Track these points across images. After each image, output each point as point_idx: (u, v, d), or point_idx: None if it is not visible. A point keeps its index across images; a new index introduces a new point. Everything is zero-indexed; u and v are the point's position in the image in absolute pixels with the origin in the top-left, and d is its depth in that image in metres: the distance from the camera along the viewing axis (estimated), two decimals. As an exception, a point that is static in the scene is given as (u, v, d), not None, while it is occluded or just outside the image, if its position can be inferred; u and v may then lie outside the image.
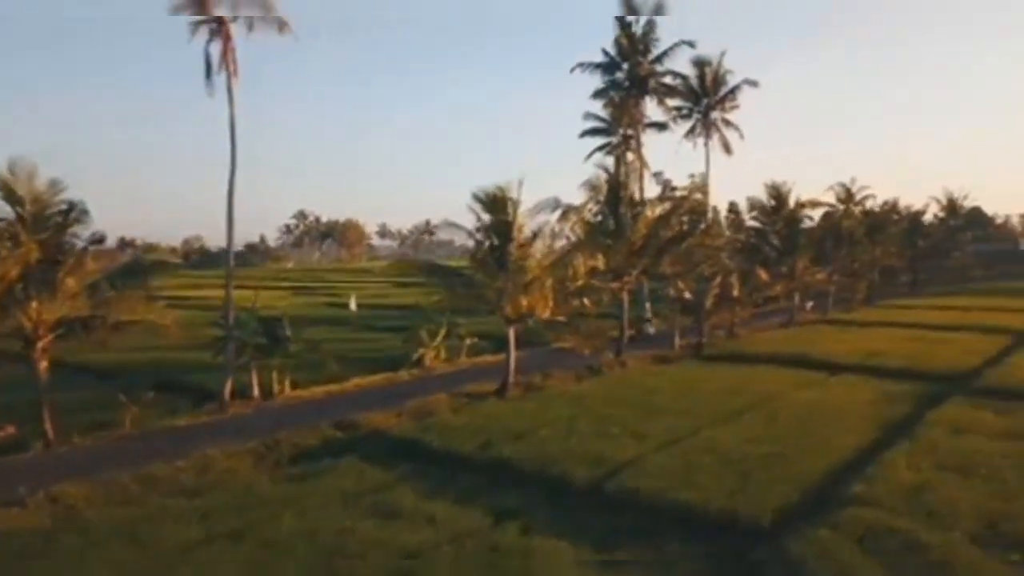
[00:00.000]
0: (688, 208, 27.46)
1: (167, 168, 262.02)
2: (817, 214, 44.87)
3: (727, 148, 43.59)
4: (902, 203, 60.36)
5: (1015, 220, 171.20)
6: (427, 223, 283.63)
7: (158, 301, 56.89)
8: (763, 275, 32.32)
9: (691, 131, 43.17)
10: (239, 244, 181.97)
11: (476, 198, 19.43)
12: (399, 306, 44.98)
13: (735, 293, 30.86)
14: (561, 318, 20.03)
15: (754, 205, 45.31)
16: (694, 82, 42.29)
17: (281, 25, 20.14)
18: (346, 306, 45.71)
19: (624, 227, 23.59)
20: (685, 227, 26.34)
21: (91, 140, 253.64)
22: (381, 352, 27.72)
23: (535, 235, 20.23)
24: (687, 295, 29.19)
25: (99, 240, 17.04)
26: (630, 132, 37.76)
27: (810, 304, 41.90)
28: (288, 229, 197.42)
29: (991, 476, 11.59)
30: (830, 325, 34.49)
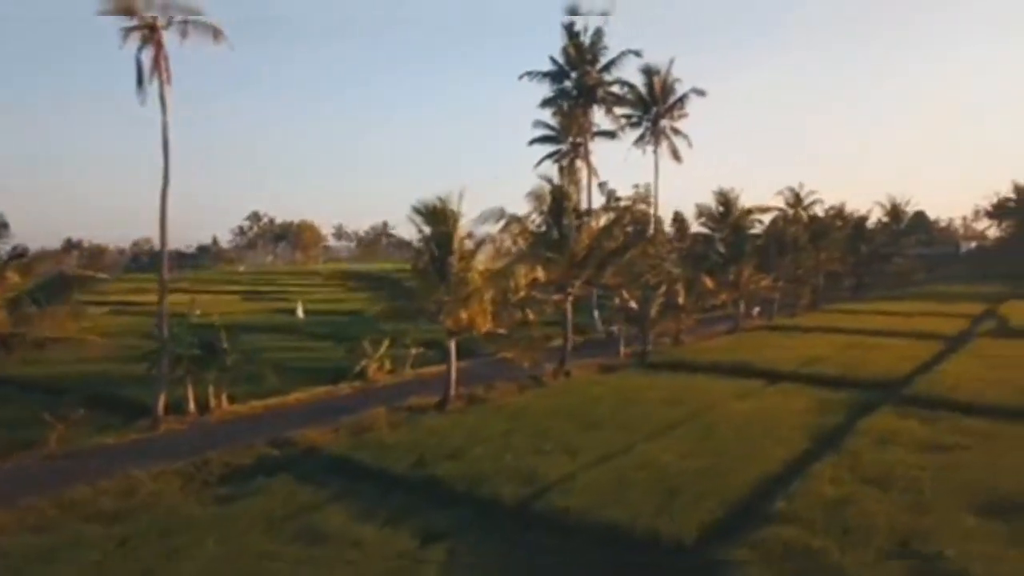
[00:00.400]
0: (632, 219, 27.63)
1: (120, 168, 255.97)
2: (769, 219, 45.88)
3: (676, 156, 44.18)
4: (849, 207, 62.08)
5: (957, 223, 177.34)
6: (384, 224, 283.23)
7: (103, 307, 55.70)
8: (708, 283, 32.78)
9: (640, 139, 43.69)
10: (191, 246, 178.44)
11: (416, 210, 19.29)
12: (348, 312, 44.48)
13: (680, 301, 31.23)
14: (501, 330, 19.97)
15: (703, 212, 45.99)
16: (643, 90, 42.77)
17: (216, 34, 19.75)
18: (294, 312, 45.01)
19: (567, 238, 23.66)
20: (628, 238, 26.51)
21: (38, 140, 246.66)
22: (328, 362, 27.31)
23: (477, 246, 20.17)
24: (632, 304, 29.44)
25: (20, 255, 16.45)
26: (579, 140, 37.99)
27: (757, 309, 42.67)
28: (241, 231, 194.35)
29: (908, 489, 11.88)
30: (774, 331, 35.11)
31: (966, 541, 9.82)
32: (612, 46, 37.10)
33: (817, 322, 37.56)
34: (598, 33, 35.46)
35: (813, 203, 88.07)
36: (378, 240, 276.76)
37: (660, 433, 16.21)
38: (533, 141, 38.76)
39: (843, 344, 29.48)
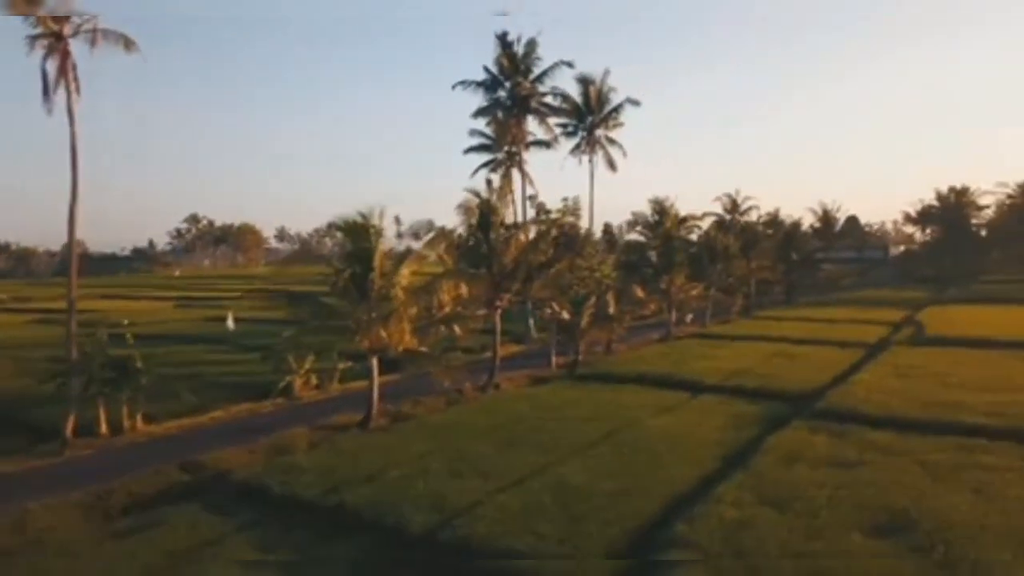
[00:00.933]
0: (559, 232, 27.77)
1: (53, 168, 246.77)
2: (708, 225, 46.73)
3: (612, 165, 44.77)
4: (787, 212, 63.90)
5: (889, 226, 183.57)
6: (328, 226, 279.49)
7: (27, 316, 53.26)
8: (640, 292, 33.19)
9: (576, 148, 44.10)
10: (125, 249, 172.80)
11: (335, 226, 19.02)
12: (283, 320, 43.54)
13: (612, 311, 31.53)
14: (423, 348, 19.82)
15: (638, 220, 46.63)
16: (578, 100, 43.15)
17: (128, 43, 19.15)
18: (224, 320, 43.93)
19: (495, 251, 23.64)
20: (556, 251, 26.63)
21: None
22: (254, 376, 26.67)
23: (400, 262, 19.99)
24: (564, 314, 29.60)
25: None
26: (514, 150, 38.07)
27: (690, 317, 43.37)
28: (179, 233, 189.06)
29: (805, 510, 12.16)
30: (704, 339, 35.72)
31: (849, 563, 10.12)
32: (556, 56, 37.42)
33: (747, 330, 38.38)
34: (531, 44, 35.65)
35: (749, 209, 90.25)
36: (322, 242, 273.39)
37: (577, 452, 16.30)
38: (469, 150, 38.76)
39: (769, 353, 30.13)
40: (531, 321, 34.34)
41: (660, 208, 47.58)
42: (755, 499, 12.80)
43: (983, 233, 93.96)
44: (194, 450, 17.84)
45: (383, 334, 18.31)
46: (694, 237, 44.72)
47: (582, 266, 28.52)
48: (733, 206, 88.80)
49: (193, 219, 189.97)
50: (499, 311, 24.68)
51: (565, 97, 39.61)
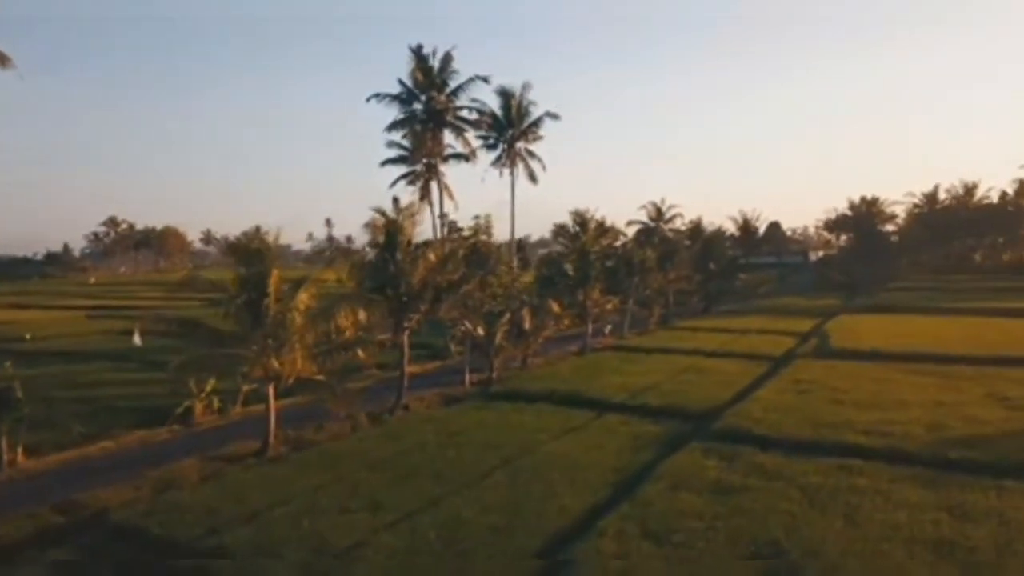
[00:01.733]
0: (469, 250, 27.69)
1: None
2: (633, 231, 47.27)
3: (532, 178, 45.08)
4: (710, 220, 65.49)
5: (812, 231, 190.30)
6: (257, 229, 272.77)
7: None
8: (555, 307, 33.41)
9: (497, 160, 44.23)
10: (38, 253, 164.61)
11: (229, 249, 18.48)
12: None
13: (527, 326, 31.68)
14: (319, 376, 19.43)
15: (560, 232, 47.03)
16: (499, 113, 43.29)
17: (3, 59, 18.20)
18: (132, 335, 42.24)
19: (402, 272, 23.38)
20: (466, 270, 26.54)
21: None
22: (155, 399, 25.64)
23: (298, 286, 19.56)
24: (479, 330, 29.57)
25: None
26: (433, 162, 37.88)
27: (609, 327, 43.92)
28: (97, 237, 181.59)
29: (682, 543, 12.37)
30: (619, 352, 36.25)
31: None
32: (460, 70, 37.25)
33: (662, 341, 39.07)
34: (447, 58, 35.55)
35: (673, 217, 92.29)
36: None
37: (474, 482, 16.23)
38: (385, 162, 38.35)
39: (679, 367, 30.72)
40: (449, 336, 34.17)
41: (581, 219, 48.16)
42: (637, 531, 12.95)
43: (893, 240, 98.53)
44: (76, 487, 17.05)
45: (275, 364, 17.86)
46: (619, 244, 45.42)
47: (494, 283, 28.54)
48: (658, 214, 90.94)
49: (112, 222, 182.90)
50: (407, 332, 24.44)
51: (481, 112, 39.68)
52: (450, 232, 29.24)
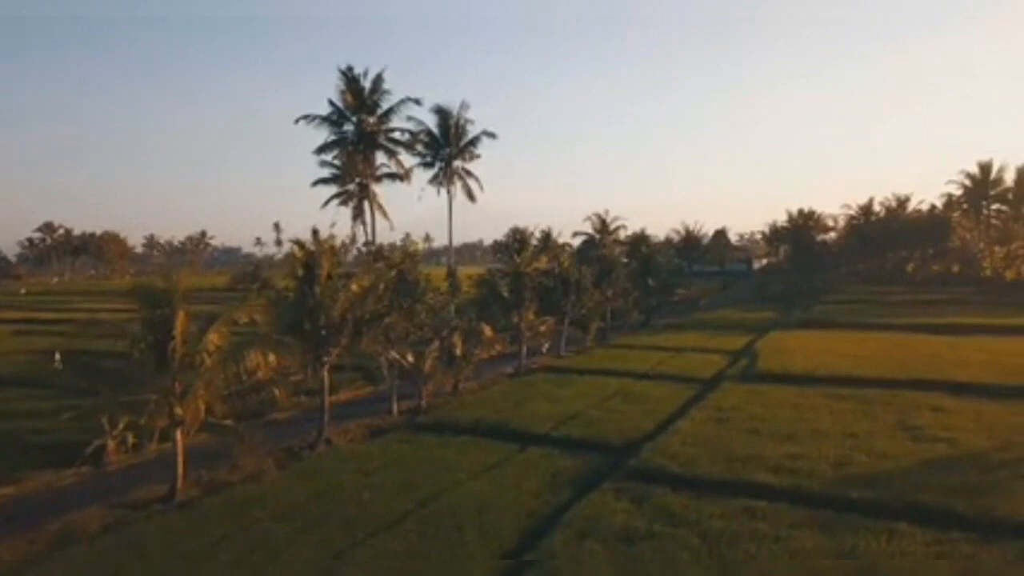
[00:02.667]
0: (393, 280, 27.40)
1: None
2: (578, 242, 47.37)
3: (471, 196, 45.04)
4: (657, 230, 66.24)
5: (758, 236, 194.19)
6: (203, 233, 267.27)
7: None
8: (487, 331, 33.35)
9: (435, 179, 44.08)
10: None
11: (130, 292, 17.94)
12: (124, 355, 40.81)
13: (458, 352, 31.54)
14: (227, 422, 18.99)
15: (499, 248, 47.03)
16: (436, 131, 43.15)
17: None
18: (54, 356, 40.64)
19: (321, 306, 23.02)
20: (392, 297, 26.27)
21: None
22: (74, 435, 24.51)
23: (208, 326, 19.09)
24: (409, 357, 29.30)
25: None
26: (365, 182, 37.53)
27: (546, 346, 44.04)
28: (31, 243, 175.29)
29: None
30: (552, 374, 36.32)
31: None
32: (393, 90, 36.99)
33: (596, 362, 39.28)
34: (378, 79, 35.24)
35: (617, 228, 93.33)
36: (196, 250, 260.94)
37: (382, 530, 16.04)
38: (317, 182, 37.82)
39: (609, 392, 30.90)
40: (383, 361, 33.83)
41: (520, 237, 48.30)
42: (534, 589, 12.94)
43: (831, 251, 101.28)
44: (-35, 541, 16.32)
45: (179, 410, 17.39)
46: (560, 261, 45.55)
47: (421, 312, 28.32)
48: (603, 226, 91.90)
49: (47, 227, 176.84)
50: (326, 367, 24.03)
51: (414, 134, 39.49)
52: (375, 260, 28.86)
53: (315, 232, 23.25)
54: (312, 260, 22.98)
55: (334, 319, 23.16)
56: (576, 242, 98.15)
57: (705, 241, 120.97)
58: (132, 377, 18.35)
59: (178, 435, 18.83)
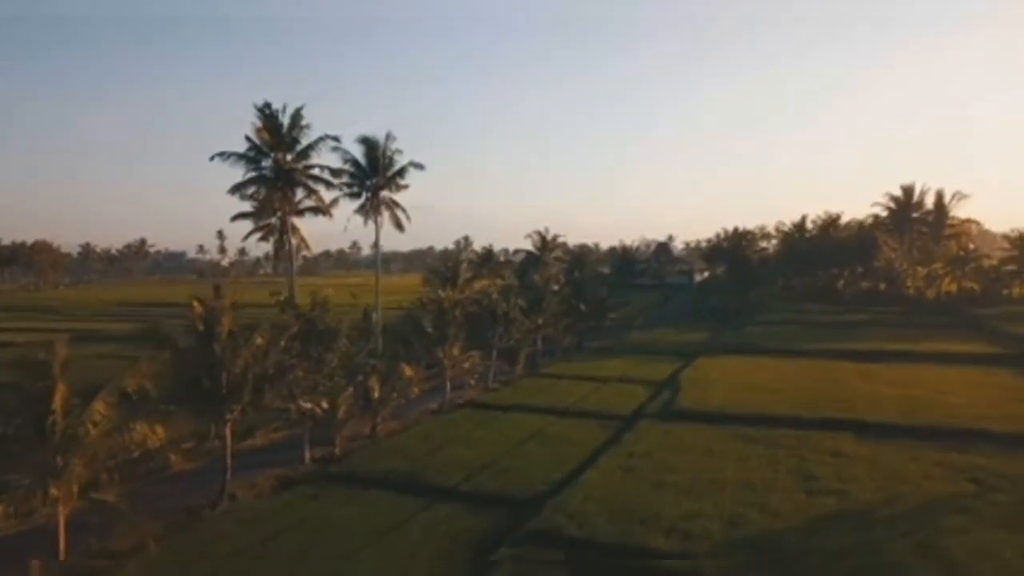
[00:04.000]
0: (297, 333, 26.91)
1: None
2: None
3: (399, 225, 44.77)
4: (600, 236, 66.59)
5: (704, 245, 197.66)
6: (142, 242, 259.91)
7: None
8: (408, 371, 33.10)
9: (361, 208, 43.70)
10: None
11: (11, 364, 17.29)
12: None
13: (376, 395, 31.22)
14: (108, 497, 18.36)
15: (429, 279, 46.82)
16: (363, 161, 42.82)
17: None
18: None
19: (222, 363, 22.51)
20: (300, 346, 25.80)
21: None
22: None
23: (92, 400, 18.47)
24: (323, 403, 28.86)
25: None
26: (286, 217, 36.98)
27: (475, 376, 43.84)
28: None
29: None
30: (477, 410, 36.20)
31: None
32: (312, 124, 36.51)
33: (521, 396, 39.24)
34: (296, 116, 34.80)
35: (558, 245, 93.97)
36: (135, 258, 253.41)
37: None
38: (236, 216, 37.15)
39: (526, 433, 30.92)
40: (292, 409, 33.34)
41: (453, 264, 48.23)
42: None
43: (767, 266, 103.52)
44: None
45: (54, 491, 16.80)
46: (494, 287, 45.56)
47: (331, 360, 27.91)
48: (543, 243, 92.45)
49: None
50: (228, 425, 23.49)
51: (335, 172, 39.07)
52: (283, 310, 28.38)
53: (216, 288, 22.76)
54: (212, 316, 22.45)
55: (236, 376, 22.67)
56: (520, 256, 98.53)
57: (649, 252, 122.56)
58: (9, 452, 17.63)
59: (60, 515, 18.16)
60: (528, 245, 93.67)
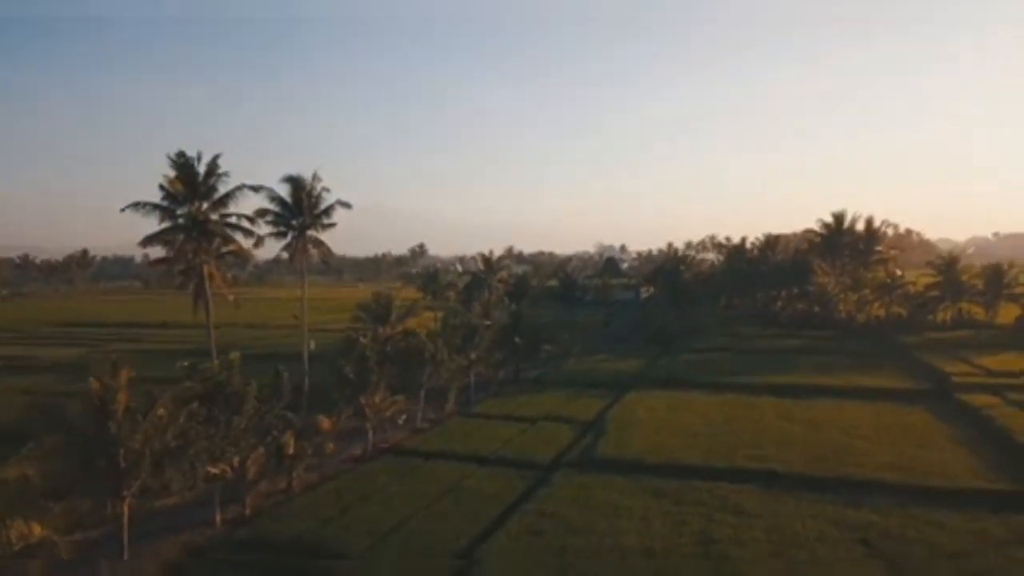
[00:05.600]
0: (199, 401, 26.46)
1: None
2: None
3: (325, 262, 44.48)
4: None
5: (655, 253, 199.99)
6: (84, 252, 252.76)
7: None
8: (325, 424, 32.85)
9: (288, 247, 43.35)
10: None
11: None
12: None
13: (290, 452, 30.89)
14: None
15: (363, 310, 46.60)
16: (289, 200, 42.50)
17: None
18: None
19: (119, 440, 21.99)
20: (201, 419, 25.36)
21: None
22: None
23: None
24: (235, 462, 28.46)
25: None
26: (204, 264, 36.46)
27: (403, 417, 43.59)
28: None
29: None
30: (399, 458, 35.94)
31: None
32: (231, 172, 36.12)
33: (446, 440, 38.88)
34: (213, 164, 34.38)
35: (502, 268, 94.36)
36: (78, 268, 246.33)
37: None
38: (156, 261, 36.48)
39: (444, 487, 30.82)
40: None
41: (386, 301, 48.06)
42: None
43: (708, 284, 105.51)
44: None
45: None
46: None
47: (240, 424, 27.48)
48: (488, 265, 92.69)
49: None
50: (127, 501, 22.96)
51: (250, 219, 38.71)
52: (184, 379, 27.86)
53: (113, 363, 22.31)
54: (107, 394, 21.96)
55: (133, 452, 22.19)
56: (461, 279, 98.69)
57: (601, 261, 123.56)
58: None
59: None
60: (478, 261, 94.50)
